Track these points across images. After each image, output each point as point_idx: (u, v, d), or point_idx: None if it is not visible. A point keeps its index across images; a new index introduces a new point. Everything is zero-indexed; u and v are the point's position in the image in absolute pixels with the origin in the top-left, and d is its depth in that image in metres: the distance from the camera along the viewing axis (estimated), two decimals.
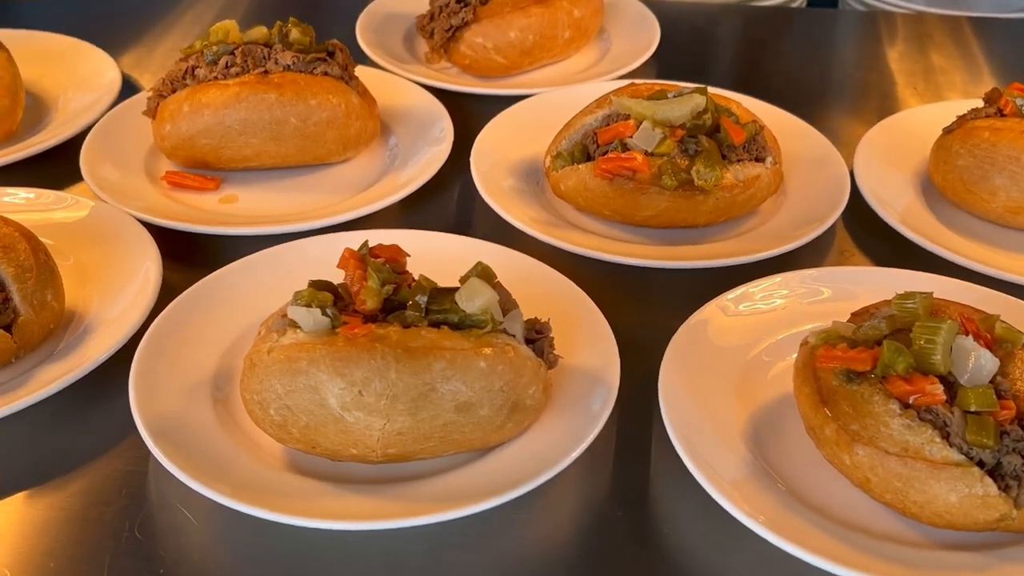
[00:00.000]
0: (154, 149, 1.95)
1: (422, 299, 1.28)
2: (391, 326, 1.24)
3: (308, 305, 1.26)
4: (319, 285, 1.30)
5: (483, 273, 1.32)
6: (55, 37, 2.37)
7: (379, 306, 1.27)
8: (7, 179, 1.91)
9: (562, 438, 1.30)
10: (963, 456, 1.15)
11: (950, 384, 1.20)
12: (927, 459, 1.15)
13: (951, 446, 1.15)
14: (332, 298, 1.28)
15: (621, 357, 1.43)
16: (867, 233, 1.82)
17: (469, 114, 2.13)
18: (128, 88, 2.25)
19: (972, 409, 1.16)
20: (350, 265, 1.30)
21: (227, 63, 1.85)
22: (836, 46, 2.59)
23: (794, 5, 3.12)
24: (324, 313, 1.25)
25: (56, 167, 1.96)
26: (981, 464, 1.15)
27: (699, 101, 1.70)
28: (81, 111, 2.09)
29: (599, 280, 1.65)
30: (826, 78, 2.41)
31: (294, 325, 1.26)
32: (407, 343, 1.22)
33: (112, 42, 2.44)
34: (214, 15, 2.70)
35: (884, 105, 2.27)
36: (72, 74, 2.24)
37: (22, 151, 1.95)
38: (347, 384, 1.20)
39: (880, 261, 1.76)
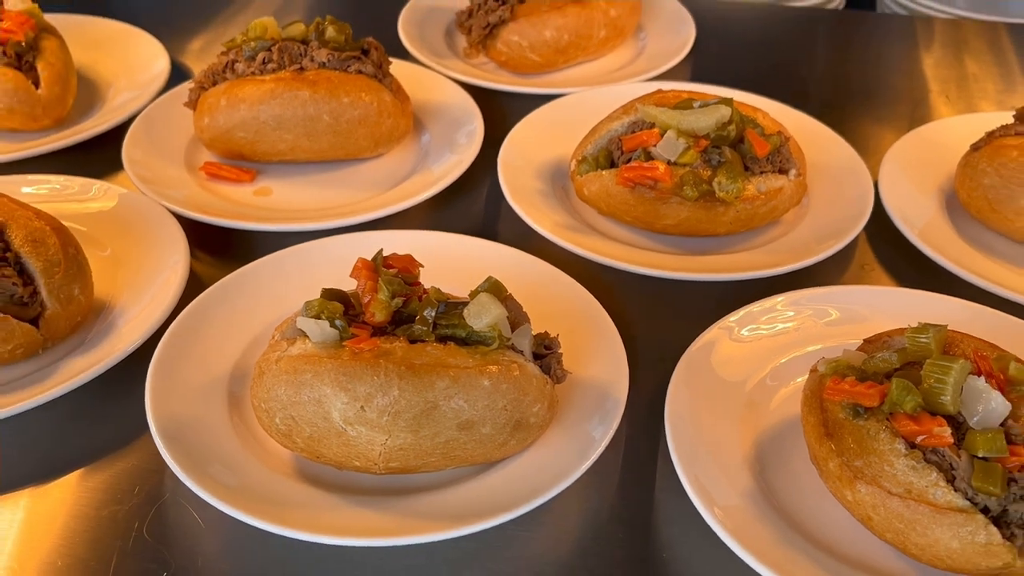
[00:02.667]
0: (195, 139, 1.90)
1: (430, 313, 1.21)
2: (397, 340, 1.18)
3: (317, 316, 1.20)
4: (331, 294, 1.24)
5: (493, 288, 1.25)
6: (111, 23, 2.31)
7: (388, 319, 1.21)
8: (54, 164, 1.88)
9: (565, 457, 1.23)
10: (968, 502, 1.06)
11: (959, 425, 1.12)
12: (930, 503, 1.07)
13: (956, 491, 1.07)
14: (342, 308, 1.22)
15: (637, 367, 1.38)
16: (889, 247, 1.72)
17: (502, 111, 2.06)
18: (183, 77, 2.20)
19: (980, 454, 1.08)
20: (362, 275, 1.24)
21: (264, 59, 1.78)
22: (872, 50, 2.45)
23: (831, 7, 2.96)
24: (333, 325, 1.19)
25: (103, 153, 1.92)
26: (986, 511, 1.06)
27: (724, 112, 1.61)
28: (129, 100, 2.04)
29: (618, 287, 1.60)
30: (860, 83, 2.28)
31: (303, 335, 1.20)
32: (412, 360, 1.15)
33: (173, 29, 2.39)
34: (277, 6, 2.62)
35: (915, 113, 2.16)
36: (125, 61, 2.18)
37: (69, 138, 1.90)
38: (350, 399, 1.14)
39: (900, 276, 1.67)
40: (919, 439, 1.09)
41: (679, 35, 2.33)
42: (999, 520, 1.06)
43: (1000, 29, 2.54)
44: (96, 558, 1.18)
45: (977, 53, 2.43)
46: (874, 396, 1.14)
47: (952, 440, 1.09)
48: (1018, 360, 1.18)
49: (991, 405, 1.10)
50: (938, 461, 1.09)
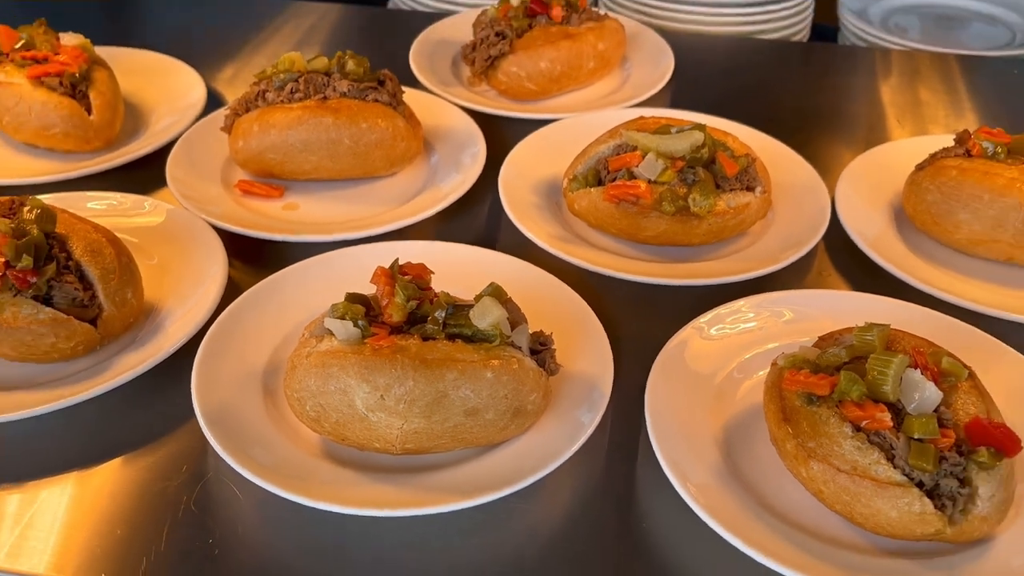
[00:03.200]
0: (230, 159, 1.96)
1: (440, 314, 1.27)
2: (412, 338, 1.24)
3: (342, 317, 1.26)
4: (353, 298, 1.30)
5: (495, 292, 1.31)
6: (153, 55, 2.37)
7: (404, 319, 1.27)
8: (105, 182, 1.94)
9: (558, 440, 1.29)
10: (905, 477, 1.13)
11: (898, 411, 1.18)
12: (873, 478, 1.13)
13: (895, 468, 1.13)
14: (364, 310, 1.28)
15: (620, 362, 1.43)
16: (844, 256, 1.77)
17: (503, 134, 2.11)
18: (217, 102, 2.26)
19: (916, 436, 1.14)
20: (381, 281, 1.30)
21: (292, 89, 1.84)
22: (834, 78, 2.50)
23: (796, 39, 3.03)
24: (355, 325, 1.25)
25: (148, 172, 1.97)
26: (921, 485, 1.13)
27: (698, 137, 1.67)
28: (171, 124, 2.10)
29: (604, 291, 1.65)
30: (822, 108, 2.33)
31: (330, 333, 1.27)
32: (425, 355, 1.22)
33: (206, 59, 2.46)
34: (299, 38, 2.69)
35: (871, 136, 2.20)
36: (166, 89, 2.24)
37: (118, 159, 1.97)
38: (371, 389, 1.20)
39: (854, 281, 1.72)
40: (864, 423, 1.15)
41: (659, 66, 2.38)
42: (932, 493, 1.13)
43: (950, 60, 2.61)
44: (149, 527, 1.25)
45: (929, 81, 2.48)
46: (825, 386, 1.19)
47: (892, 424, 1.15)
48: (950, 355, 1.25)
49: (926, 394, 1.16)
50: (880, 442, 1.15)
